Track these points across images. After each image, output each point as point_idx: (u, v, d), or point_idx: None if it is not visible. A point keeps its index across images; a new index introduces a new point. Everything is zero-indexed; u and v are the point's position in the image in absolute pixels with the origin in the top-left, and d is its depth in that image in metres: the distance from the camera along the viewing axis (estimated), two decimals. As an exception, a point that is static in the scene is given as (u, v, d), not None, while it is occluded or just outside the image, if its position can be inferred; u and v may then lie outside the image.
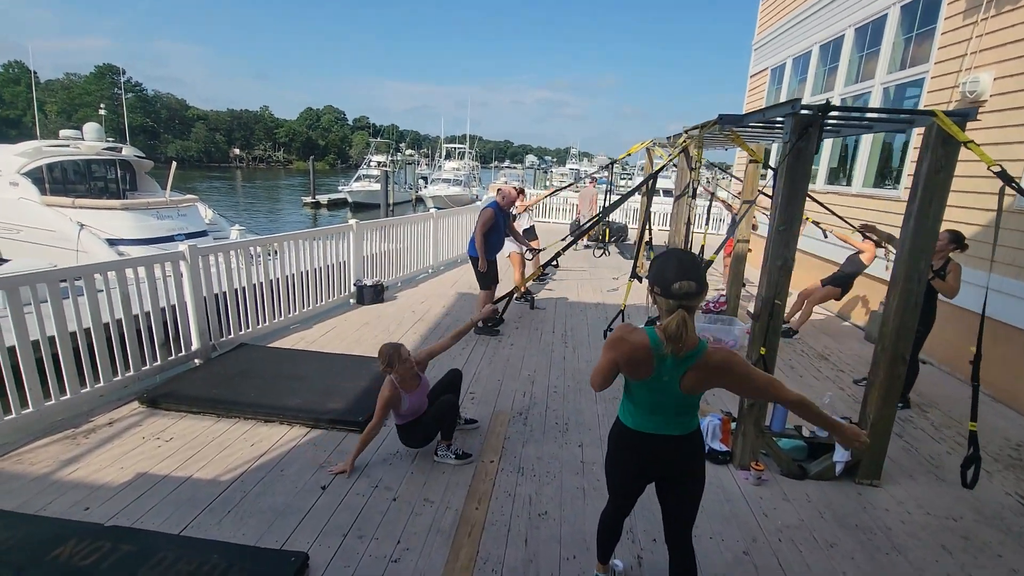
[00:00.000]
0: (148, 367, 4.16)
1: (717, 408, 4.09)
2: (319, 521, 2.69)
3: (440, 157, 41.73)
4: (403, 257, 7.83)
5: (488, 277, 5.76)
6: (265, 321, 5.34)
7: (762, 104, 10.86)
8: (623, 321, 4.66)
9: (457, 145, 43.05)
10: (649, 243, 6.44)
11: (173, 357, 4.39)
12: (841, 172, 8.11)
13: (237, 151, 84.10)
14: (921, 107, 5.80)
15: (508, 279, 7.17)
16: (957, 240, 4.13)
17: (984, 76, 5.05)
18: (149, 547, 2.36)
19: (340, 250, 6.47)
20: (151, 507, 2.73)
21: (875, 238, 4.50)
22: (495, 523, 2.75)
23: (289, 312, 5.65)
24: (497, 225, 5.66)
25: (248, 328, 5.15)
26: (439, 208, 30.32)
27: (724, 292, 6.40)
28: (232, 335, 4.96)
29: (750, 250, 6.09)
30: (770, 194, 5.61)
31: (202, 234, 12.79)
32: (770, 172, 8.79)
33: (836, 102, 7.92)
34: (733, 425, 3.64)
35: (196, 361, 4.58)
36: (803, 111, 2.81)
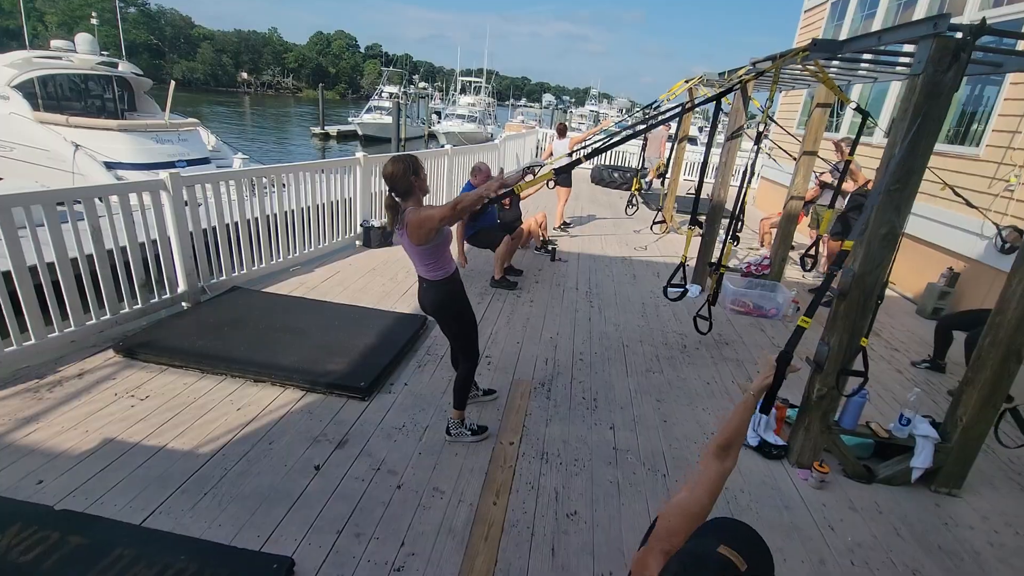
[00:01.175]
0: (128, 310, 3.71)
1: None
2: (310, 511, 2.28)
3: (455, 91, 39.69)
4: (414, 197, 7.19)
5: (499, 229, 5.22)
6: (262, 262, 4.85)
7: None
8: (683, 276, 4.14)
9: (473, 79, 40.84)
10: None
11: (157, 299, 3.93)
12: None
13: (245, 75, 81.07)
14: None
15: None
16: None
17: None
18: (104, 541, 1.97)
19: (347, 186, 5.87)
20: (115, 484, 2.33)
21: None
22: (516, 523, 2.34)
23: (289, 253, 5.13)
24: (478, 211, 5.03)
25: (243, 269, 4.66)
26: (453, 146, 29.33)
27: (767, 255, 5.79)
28: (224, 276, 4.48)
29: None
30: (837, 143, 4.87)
31: (204, 161, 12.13)
32: (847, 117, 7.86)
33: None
34: (789, 413, 3.17)
35: (184, 305, 4.12)
36: (948, 32, 2.13)
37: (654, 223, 8.16)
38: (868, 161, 6.50)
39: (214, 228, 4.30)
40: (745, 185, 3.96)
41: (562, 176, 6.57)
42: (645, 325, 4.68)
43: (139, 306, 3.79)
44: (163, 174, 3.82)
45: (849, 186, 5.82)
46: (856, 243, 2.51)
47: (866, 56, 3.13)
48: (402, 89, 37.48)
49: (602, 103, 71.73)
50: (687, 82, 6.34)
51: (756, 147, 3.68)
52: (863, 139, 6.93)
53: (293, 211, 5.03)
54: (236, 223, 4.45)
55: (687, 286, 4.26)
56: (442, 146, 29.34)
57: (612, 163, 13.88)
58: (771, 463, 2.91)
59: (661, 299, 5.34)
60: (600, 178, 12.64)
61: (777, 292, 5.21)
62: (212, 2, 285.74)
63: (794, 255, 6.64)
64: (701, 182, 3.84)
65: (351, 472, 2.55)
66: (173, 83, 13.03)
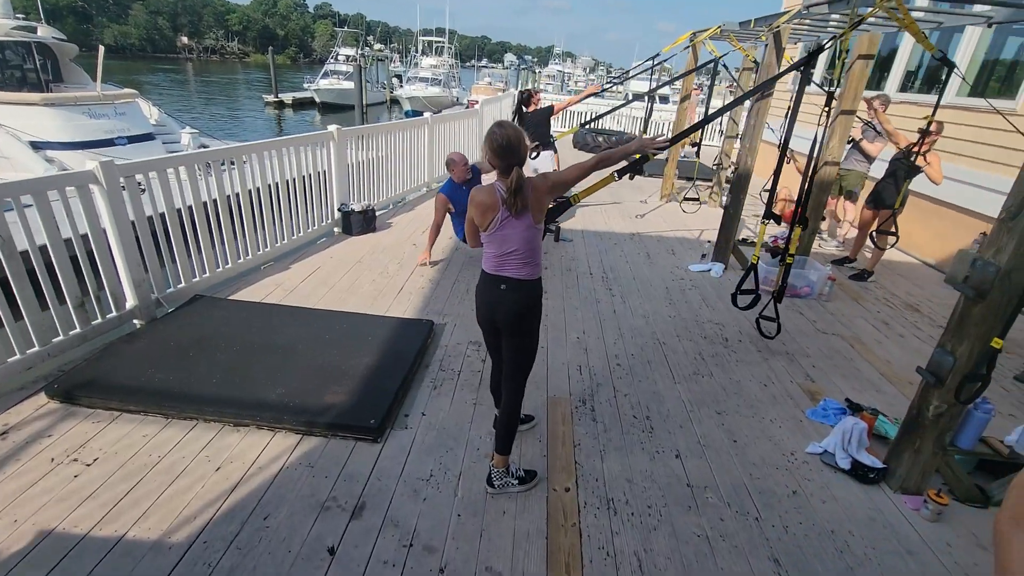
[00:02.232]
0: (63, 337, 2.97)
1: (842, 397, 3.18)
2: (332, 625, 1.71)
3: (416, 52, 37.56)
4: (393, 173, 6.42)
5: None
6: (227, 262, 4.10)
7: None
8: (753, 280, 3.57)
9: (435, 39, 38.60)
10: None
11: (100, 320, 3.18)
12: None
13: (185, 40, 75.26)
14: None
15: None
16: None
17: None
18: None
19: (320, 163, 5.06)
20: (56, 607, 1.70)
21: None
22: (600, 613, 1.83)
23: (257, 248, 4.38)
24: (462, 207, 4.33)
25: (204, 272, 3.91)
26: (415, 112, 27.83)
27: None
28: (183, 284, 3.74)
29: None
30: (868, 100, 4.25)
31: (147, 137, 10.91)
32: (898, 71, 7.16)
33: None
34: (881, 422, 2.74)
35: (136, 323, 3.38)
36: None
37: (685, 198, 7.14)
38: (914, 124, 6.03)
39: (164, 223, 3.53)
40: (786, 155, 3.41)
41: (546, 141, 5.89)
42: (676, 315, 4.17)
43: (77, 331, 3.04)
44: (91, 164, 3.01)
45: (874, 149, 5.38)
46: (1002, 231, 2.01)
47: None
48: (359, 52, 35.22)
49: (566, 62, 69.99)
50: (708, 32, 5.67)
51: (826, 109, 3.10)
52: (912, 97, 6.32)
53: (260, 190, 4.25)
54: (192, 211, 3.67)
55: (747, 290, 3.58)
56: (406, 112, 28.12)
57: (596, 126, 13.14)
58: (870, 491, 2.47)
59: (684, 281, 4.85)
60: (584, 143, 11.93)
61: (809, 268, 4.77)
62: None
63: (824, 225, 6.21)
64: (780, 167, 3.24)
65: (377, 553, 1.97)
66: (102, 48, 11.52)
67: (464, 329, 3.67)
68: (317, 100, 29.40)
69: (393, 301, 4.02)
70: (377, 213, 5.73)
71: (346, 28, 41.16)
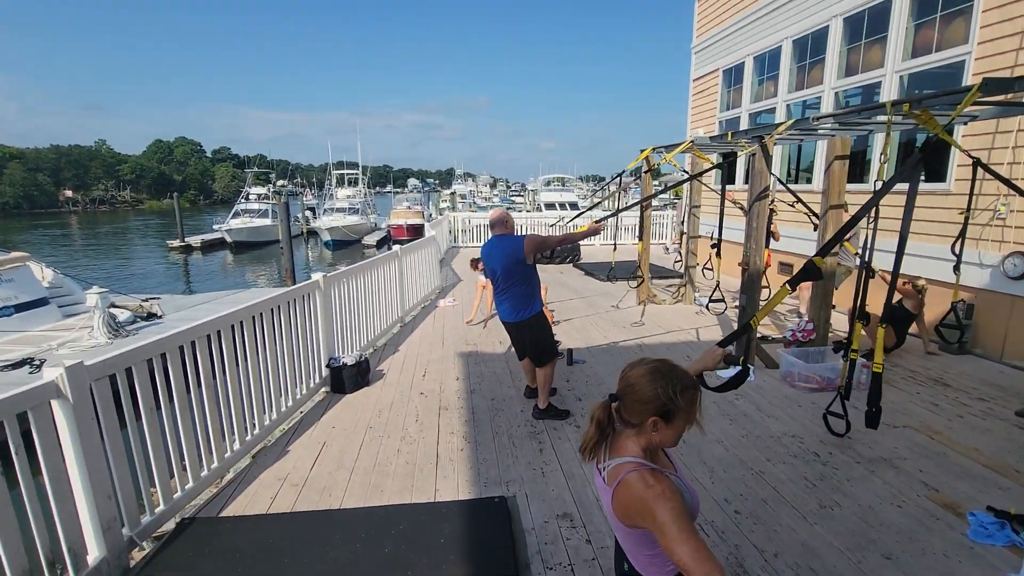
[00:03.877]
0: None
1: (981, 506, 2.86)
2: None
3: (331, 185, 38.15)
4: (372, 314, 5.83)
5: (553, 341, 4.14)
6: (213, 460, 3.20)
7: (715, 107, 10.42)
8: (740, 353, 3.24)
9: (347, 171, 39.65)
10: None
11: (53, 594, 2.18)
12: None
13: (69, 193, 71.34)
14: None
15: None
16: None
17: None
18: None
19: (306, 318, 4.39)
20: None
21: None
22: None
23: (246, 433, 3.52)
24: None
25: (188, 483, 2.99)
26: (335, 242, 27.52)
27: (808, 317, 5.36)
28: (162, 507, 2.79)
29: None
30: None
31: (39, 303, 9.51)
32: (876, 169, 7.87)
33: (827, 98, 7.45)
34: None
35: (104, 584, 2.39)
36: None
37: (711, 300, 6.64)
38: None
39: (141, 430, 2.66)
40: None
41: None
42: (747, 433, 3.80)
43: (21, 624, 2.03)
44: (50, 373, 2.22)
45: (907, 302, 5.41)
46: None
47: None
48: (272, 189, 35.06)
49: (467, 181, 74.64)
50: (683, 148, 5.99)
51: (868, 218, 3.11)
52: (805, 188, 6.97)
53: (239, 360, 3.47)
54: (173, 402, 2.83)
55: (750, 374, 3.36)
56: (326, 242, 27.69)
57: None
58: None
59: (735, 403, 4.54)
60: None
61: (838, 359, 4.70)
62: (21, 119, 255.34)
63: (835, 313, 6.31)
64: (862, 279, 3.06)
65: None
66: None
67: (541, 499, 3.01)
68: (229, 240, 28.20)
69: (437, 476, 3.29)
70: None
71: (256, 168, 41.16)
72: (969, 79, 5.44)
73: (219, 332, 3.26)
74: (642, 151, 7.11)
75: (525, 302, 3.94)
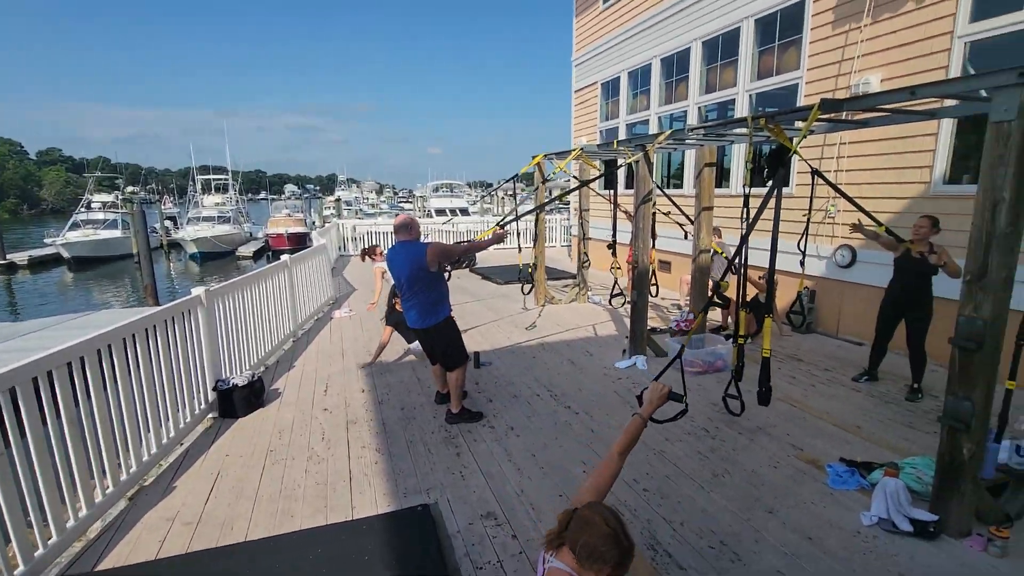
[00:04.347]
0: None
1: (872, 453, 3.35)
2: None
3: (195, 191, 34.29)
4: (261, 329, 5.39)
5: (462, 345, 4.11)
6: (81, 506, 2.75)
7: (596, 118, 11.14)
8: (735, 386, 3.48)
9: (213, 176, 35.91)
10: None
11: None
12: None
13: None
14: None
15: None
16: (936, 224, 4.22)
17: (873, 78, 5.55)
18: None
19: (187, 338, 3.94)
20: None
21: None
22: None
23: (121, 472, 3.07)
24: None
25: (52, 537, 2.54)
26: (203, 254, 24.90)
27: (686, 308, 5.91)
28: (22, 567, 2.34)
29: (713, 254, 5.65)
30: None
31: None
32: (736, 173, 8.65)
33: (692, 112, 8.34)
34: (904, 474, 2.94)
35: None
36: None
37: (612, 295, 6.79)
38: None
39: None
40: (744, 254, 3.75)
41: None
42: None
43: None
44: None
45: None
46: (974, 290, 2.43)
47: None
48: (120, 196, 30.71)
49: (352, 188, 71.87)
50: (573, 156, 6.28)
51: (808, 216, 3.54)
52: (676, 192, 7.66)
53: (109, 388, 3.03)
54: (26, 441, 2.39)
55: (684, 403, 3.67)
56: (192, 255, 24.98)
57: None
58: (943, 546, 2.58)
59: (622, 381, 4.89)
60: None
61: (716, 344, 5.27)
62: None
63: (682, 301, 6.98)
64: (772, 266, 3.37)
65: None
66: None
67: (463, 501, 3.01)
68: (66, 255, 24.17)
69: (352, 493, 3.13)
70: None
71: (99, 172, 35.61)
72: (802, 99, 6.42)
73: (82, 358, 2.81)
74: (534, 157, 7.39)
75: (432, 308, 3.91)
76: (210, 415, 4.20)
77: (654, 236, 5.56)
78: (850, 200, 3.77)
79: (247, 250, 26.52)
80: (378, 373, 5.18)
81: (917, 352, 4.42)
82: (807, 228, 5.03)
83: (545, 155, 7.13)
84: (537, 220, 7.81)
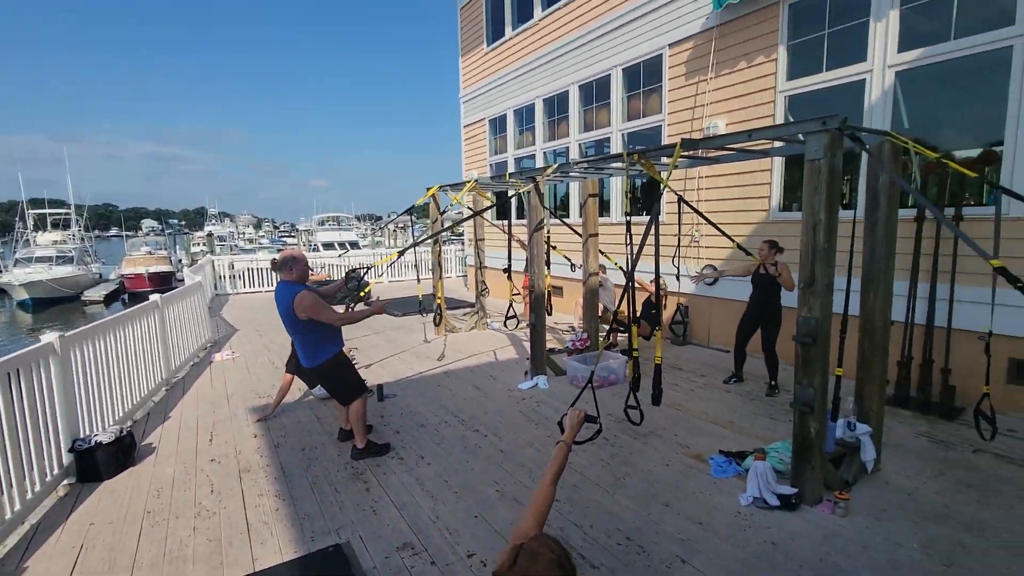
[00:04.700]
0: None
1: (744, 443, 3.78)
2: None
3: (25, 228, 29.27)
4: (128, 378, 4.79)
5: (357, 379, 3.99)
6: None
7: (485, 152, 11.60)
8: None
9: (50, 211, 30.94)
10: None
11: None
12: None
13: None
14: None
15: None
16: (775, 245, 5.03)
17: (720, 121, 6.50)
18: None
19: (36, 394, 3.40)
20: None
21: None
22: None
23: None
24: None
25: None
26: (36, 300, 21.30)
27: (580, 328, 6.28)
28: None
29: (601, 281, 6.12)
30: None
31: None
32: (616, 202, 9.12)
33: (573, 148, 9.07)
34: (769, 457, 3.40)
35: None
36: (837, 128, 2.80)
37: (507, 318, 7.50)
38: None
39: None
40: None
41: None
42: (552, 434, 4.30)
43: None
44: None
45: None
46: (807, 295, 2.96)
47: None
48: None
49: (224, 222, 66.52)
50: (440, 188, 6.48)
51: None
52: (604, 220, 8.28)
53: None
54: None
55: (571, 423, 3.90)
56: (23, 302, 21.30)
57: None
58: (803, 514, 3.02)
59: (526, 401, 5.07)
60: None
61: (610, 359, 5.67)
62: None
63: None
64: (657, 288, 3.71)
65: None
66: None
67: (377, 536, 2.93)
68: None
69: (252, 544, 2.90)
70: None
71: None
72: (666, 139, 7.29)
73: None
74: (428, 189, 7.52)
75: (315, 348, 3.77)
76: (66, 481, 3.62)
77: (548, 263, 5.92)
78: (713, 225, 4.37)
79: (96, 294, 23.20)
80: (271, 416, 4.83)
81: (771, 355, 5.14)
82: (678, 250, 5.68)
83: (440, 187, 7.29)
84: (436, 251, 7.88)
